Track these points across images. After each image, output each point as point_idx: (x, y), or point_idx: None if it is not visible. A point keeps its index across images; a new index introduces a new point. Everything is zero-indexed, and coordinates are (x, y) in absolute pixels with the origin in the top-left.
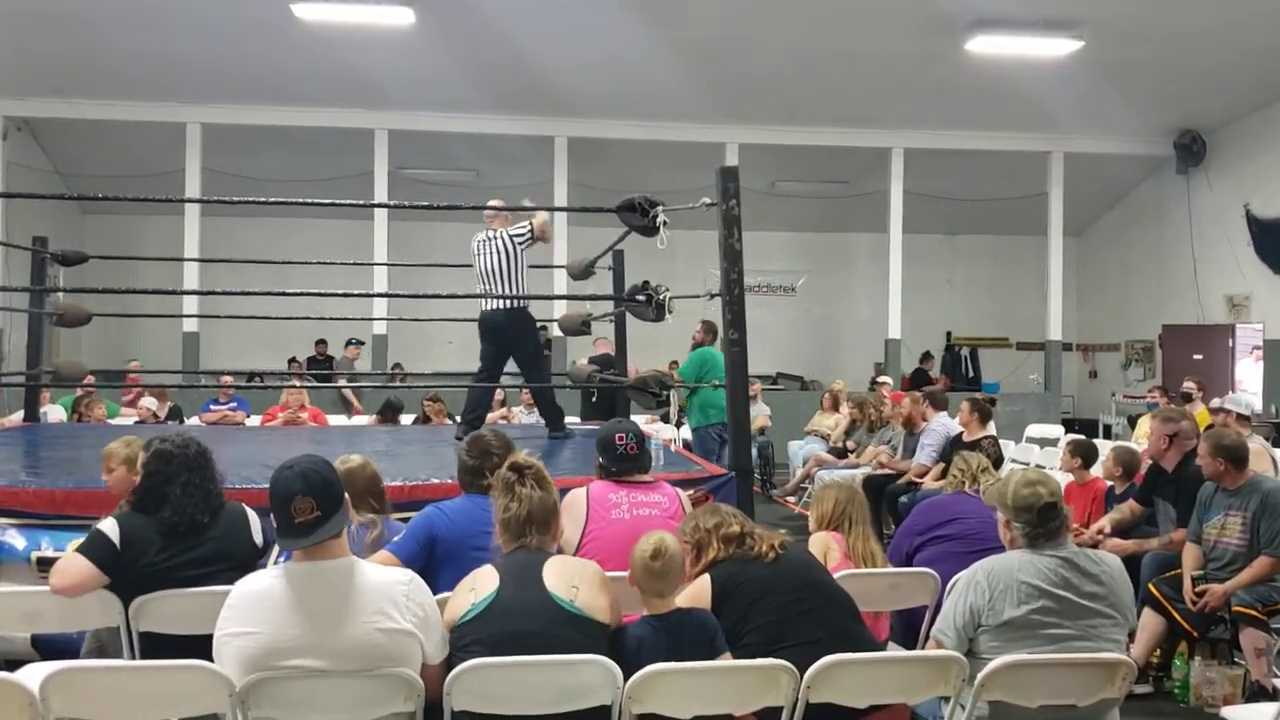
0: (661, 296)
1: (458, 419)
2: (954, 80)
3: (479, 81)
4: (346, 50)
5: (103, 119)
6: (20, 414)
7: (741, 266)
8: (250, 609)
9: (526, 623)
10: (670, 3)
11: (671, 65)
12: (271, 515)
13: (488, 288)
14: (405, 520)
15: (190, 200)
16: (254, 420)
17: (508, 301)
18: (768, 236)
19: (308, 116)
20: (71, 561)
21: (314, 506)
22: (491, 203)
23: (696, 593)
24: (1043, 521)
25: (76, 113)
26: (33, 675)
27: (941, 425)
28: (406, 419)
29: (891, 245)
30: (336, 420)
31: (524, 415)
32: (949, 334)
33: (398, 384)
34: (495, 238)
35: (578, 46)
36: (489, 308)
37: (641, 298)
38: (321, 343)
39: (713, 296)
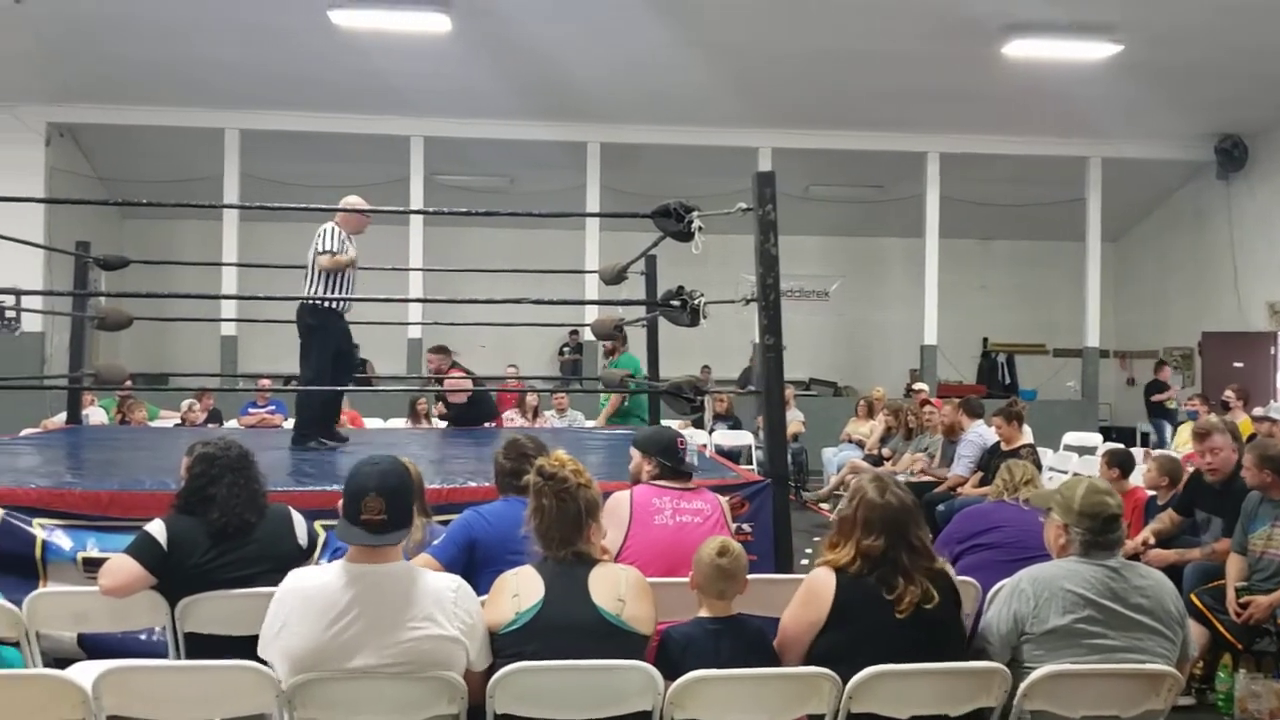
0: (696, 301)
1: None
2: (990, 84)
3: (513, 88)
4: (383, 57)
5: (142, 124)
6: (63, 416)
7: (777, 272)
8: (301, 607)
9: (573, 638)
10: (702, 8)
11: (704, 70)
12: (340, 503)
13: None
14: (445, 523)
15: (228, 206)
16: (291, 423)
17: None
18: (801, 241)
19: (344, 123)
20: (120, 563)
21: (383, 508)
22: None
23: (816, 589)
24: (1105, 530)
25: (116, 119)
26: (85, 673)
27: (978, 434)
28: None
29: (927, 250)
30: (372, 423)
31: (555, 419)
32: (985, 340)
33: (432, 388)
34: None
35: (611, 52)
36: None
37: (676, 303)
38: (354, 346)
39: (748, 302)
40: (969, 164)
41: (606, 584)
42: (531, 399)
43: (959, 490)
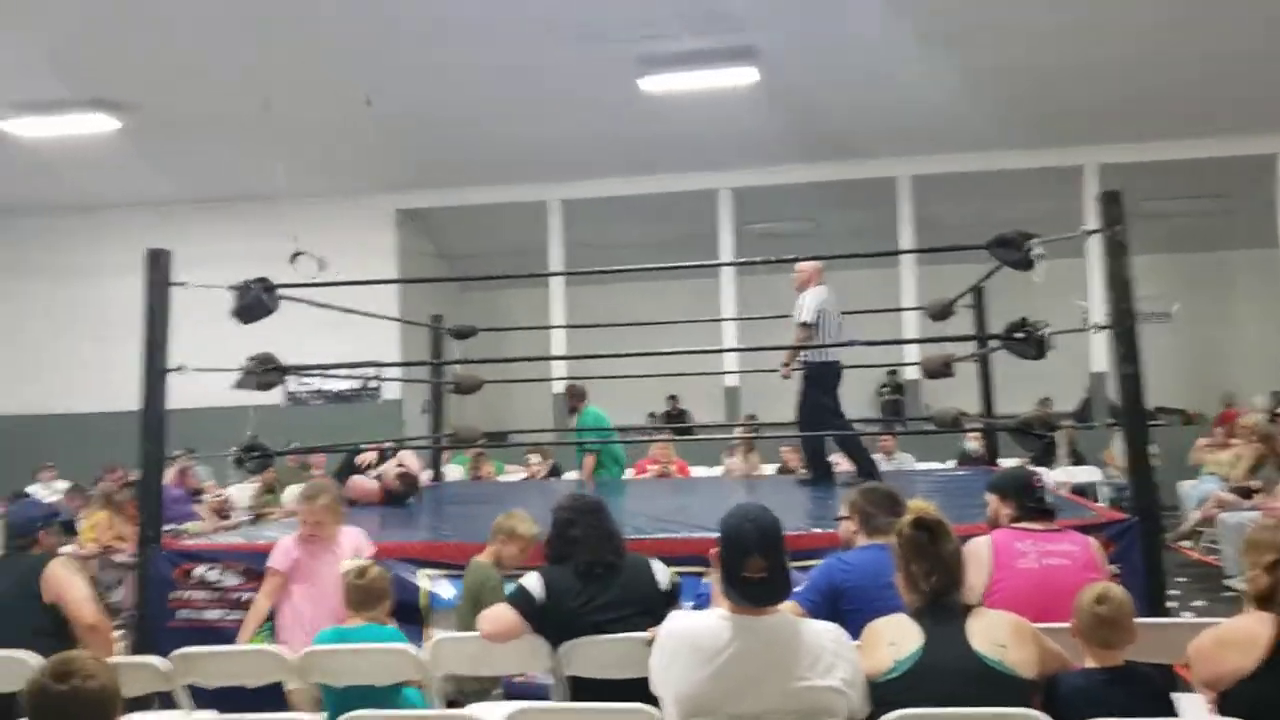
0: (1041, 332)
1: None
2: None
3: (816, 130)
4: (689, 115)
5: (475, 204)
6: (428, 473)
7: (1132, 295)
8: (685, 652)
9: (955, 685)
10: (1007, 32)
11: (1014, 92)
12: (717, 554)
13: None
14: (801, 569)
15: (554, 274)
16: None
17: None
18: (1136, 261)
19: (654, 183)
20: (500, 611)
21: (765, 567)
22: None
23: (1249, 636)
24: None
25: (453, 200)
26: (488, 714)
27: None
28: (770, 468)
29: None
30: (697, 471)
31: (883, 462)
32: None
33: (753, 434)
34: None
35: (918, 85)
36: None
37: (1019, 335)
38: (673, 398)
39: (1100, 329)
40: None
41: (985, 630)
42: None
43: None
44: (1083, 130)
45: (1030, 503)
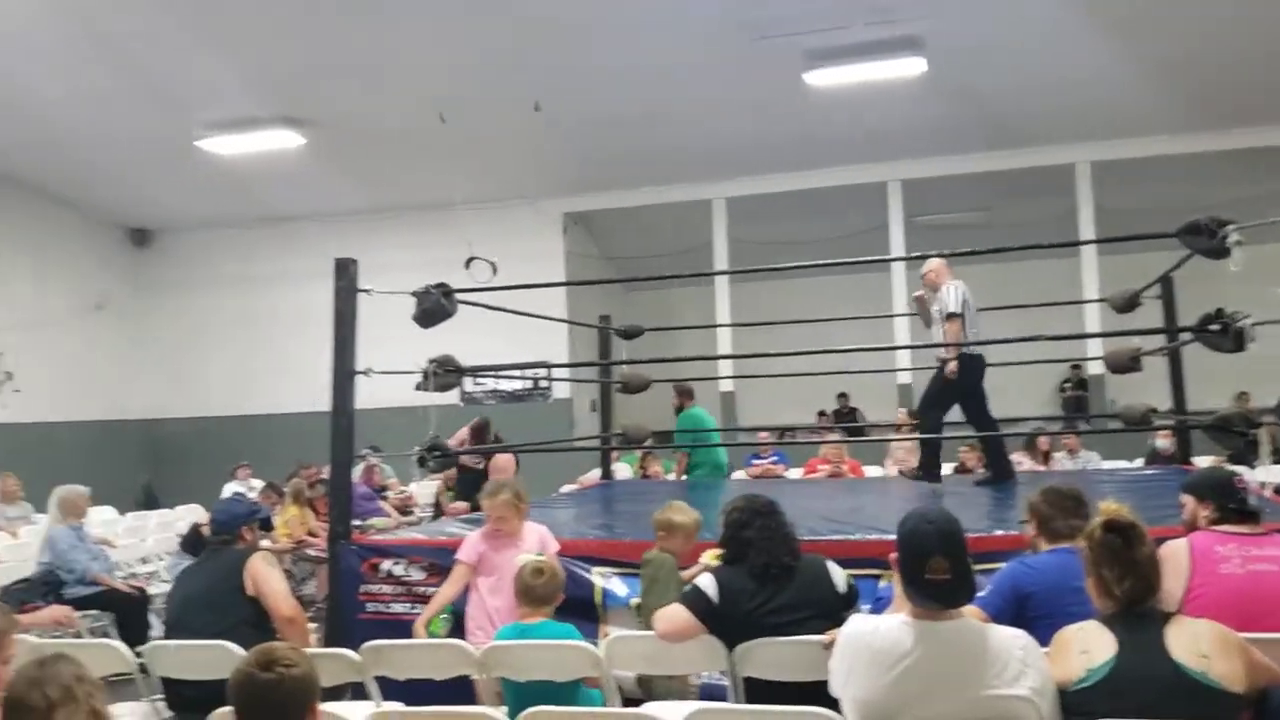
0: (1240, 324)
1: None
2: None
3: (987, 117)
4: (855, 108)
5: (640, 205)
6: (598, 472)
7: None
8: (866, 656)
9: (1152, 696)
10: (1191, 9)
11: (1201, 72)
12: (897, 558)
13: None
14: (981, 572)
15: (719, 273)
16: (794, 473)
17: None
18: None
19: (820, 178)
20: (675, 611)
21: (948, 569)
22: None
23: None
24: None
25: (618, 203)
26: (670, 713)
27: None
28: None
29: None
30: (871, 471)
31: (1067, 461)
32: None
33: (910, 436)
34: None
35: (1095, 68)
36: None
37: (1215, 326)
38: (843, 396)
39: None
40: None
41: (1186, 639)
42: (1043, 442)
43: None
44: (1277, 109)
45: (1231, 504)
